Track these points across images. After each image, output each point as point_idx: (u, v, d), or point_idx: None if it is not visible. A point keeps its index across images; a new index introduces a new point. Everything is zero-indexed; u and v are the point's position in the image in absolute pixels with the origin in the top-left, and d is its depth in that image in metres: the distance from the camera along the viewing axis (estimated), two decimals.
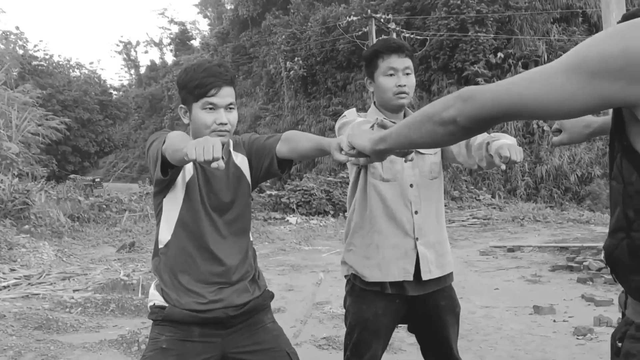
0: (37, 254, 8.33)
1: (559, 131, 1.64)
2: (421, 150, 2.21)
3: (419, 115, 1.16)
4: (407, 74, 2.19)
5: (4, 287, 6.44)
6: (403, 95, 2.18)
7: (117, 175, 35.07)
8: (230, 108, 1.83)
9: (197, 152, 1.38)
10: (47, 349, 4.25)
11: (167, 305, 1.82)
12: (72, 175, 20.20)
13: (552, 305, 5.14)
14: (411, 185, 2.18)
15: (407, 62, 2.19)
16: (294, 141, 1.82)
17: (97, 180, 19.07)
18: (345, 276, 2.31)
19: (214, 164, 1.42)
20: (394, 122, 1.57)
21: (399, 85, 2.17)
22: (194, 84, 1.78)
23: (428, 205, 2.21)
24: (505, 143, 1.87)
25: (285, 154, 1.84)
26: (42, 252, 8.50)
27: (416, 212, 2.17)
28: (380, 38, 2.40)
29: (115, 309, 5.51)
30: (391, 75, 2.18)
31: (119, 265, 8.14)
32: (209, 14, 51.01)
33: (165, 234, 1.85)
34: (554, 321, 4.77)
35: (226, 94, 1.80)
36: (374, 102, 2.31)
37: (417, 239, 2.17)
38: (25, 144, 16.43)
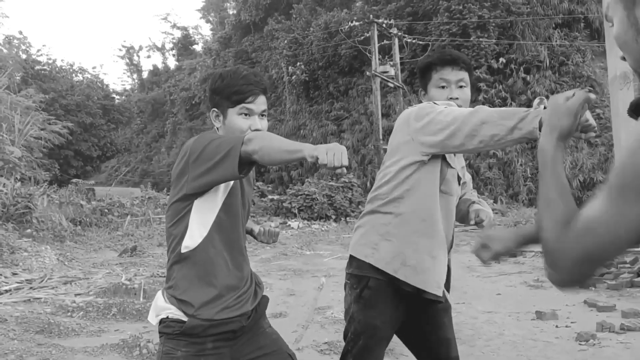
0: (39, 258, 8.35)
1: (484, 247, 1.45)
2: (463, 167, 2.24)
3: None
4: (461, 86, 2.12)
5: (6, 291, 6.44)
6: None
7: (119, 180, 35.11)
8: (263, 115, 1.88)
9: (329, 157, 1.46)
10: (49, 353, 4.24)
11: (185, 318, 1.76)
12: (74, 180, 20.20)
13: (554, 311, 5.12)
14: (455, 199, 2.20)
15: (462, 74, 2.12)
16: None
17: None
18: (354, 275, 2.15)
19: (338, 170, 1.50)
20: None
21: (451, 98, 2.10)
22: (233, 90, 1.82)
23: (452, 222, 2.22)
24: (481, 209, 2.19)
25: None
26: (44, 256, 8.51)
27: (455, 227, 2.19)
28: (437, 50, 2.37)
29: (116, 313, 5.51)
30: (443, 87, 2.11)
31: (121, 270, 8.14)
32: (211, 19, 51.18)
33: (195, 237, 1.79)
34: (557, 327, 4.76)
35: (261, 102, 1.86)
36: None
37: (449, 252, 2.17)
38: (28, 148, 16.44)
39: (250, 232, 2.11)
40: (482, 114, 1.83)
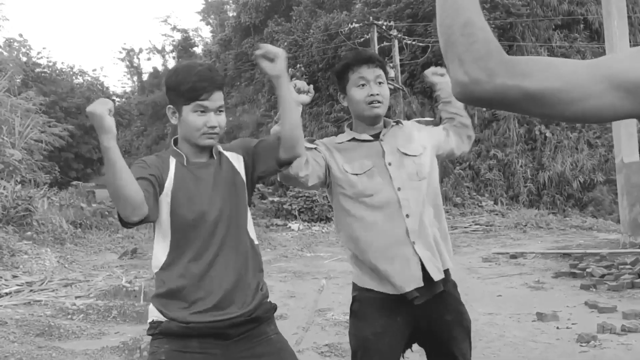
0: (40, 261, 8.34)
1: None
2: (407, 152, 2.18)
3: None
4: (379, 83, 2.17)
5: (6, 293, 6.44)
6: (377, 104, 2.15)
7: None
8: (220, 111, 1.85)
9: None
10: (49, 356, 4.24)
11: (164, 319, 1.80)
12: (74, 182, 20.20)
13: (555, 312, 5.12)
14: (399, 189, 2.12)
15: (378, 71, 2.17)
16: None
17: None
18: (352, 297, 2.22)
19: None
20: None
21: (372, 95, 2.14)
22: (186, 87, 1.79)
23: (419, 206, 2.13)
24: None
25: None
26: (45, 259, 8.50)
27: (407, 216, 2.10)
28: (349, 51, 2.37)
29: (117, 315, 5.51)
30: (362, 85, 2.16)
31: (121, 272, 8.14)
32: (211, 21, 51.24)
33: (159, 257, 1.85)
34: (557, 328, 4.75)
35: (217, 98, 1.82)
36: (349, 125, 2.28)
37: (413, 242, 2.09)
38: (28, 151, 16.44)
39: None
40: None
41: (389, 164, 2.15)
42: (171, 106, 1.86)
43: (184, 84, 1.80)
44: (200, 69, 1.82)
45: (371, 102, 2.15)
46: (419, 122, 2.47)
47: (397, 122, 2.28)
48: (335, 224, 2.30)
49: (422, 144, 2.24)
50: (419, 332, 2.14)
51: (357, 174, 2.13)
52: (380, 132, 2.21)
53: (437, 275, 2.08)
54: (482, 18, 0.82)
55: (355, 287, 2.19)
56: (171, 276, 1.81)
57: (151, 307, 1.87)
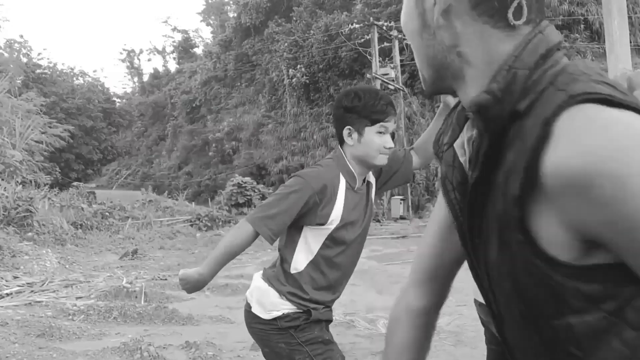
0: (40, 262, 8.35)
1: None
2: None
3: None
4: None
5: (7, 294, 6.44)
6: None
7: (120, 183, 35.13)
8: (392, 134, 2.09)
9: None
10: (50, 357, 4.24)
11: (303, 309, 1.97)
12: (75, 183, 20.22)
13: None
14: None
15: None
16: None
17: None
18: None
19: None
20: None
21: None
22: (375, 109, 1.96)
23: None
24: None
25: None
26: (45, 260, 8.51)
27: None
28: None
29: (117, 316, 5.51)
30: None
31: (122, 273, 8.14)
32: (211, 22, 51.31)
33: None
34: None
35: (394, 122, 2.07)
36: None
37: None
38: (29, 152, 16.46)
39: None
40: None
41: None
42: (351, 127, 1.99)
43: (370, 106, 1.96)
44: (383, 93, 2.03)
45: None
46: None
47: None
48: None
49: None
50: None
51: None
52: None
53: None
54: None
55: None
56: (305, 280, 1.99)
57: (278, 298, 1.97)
